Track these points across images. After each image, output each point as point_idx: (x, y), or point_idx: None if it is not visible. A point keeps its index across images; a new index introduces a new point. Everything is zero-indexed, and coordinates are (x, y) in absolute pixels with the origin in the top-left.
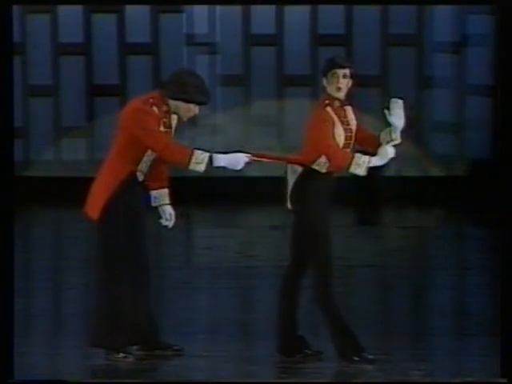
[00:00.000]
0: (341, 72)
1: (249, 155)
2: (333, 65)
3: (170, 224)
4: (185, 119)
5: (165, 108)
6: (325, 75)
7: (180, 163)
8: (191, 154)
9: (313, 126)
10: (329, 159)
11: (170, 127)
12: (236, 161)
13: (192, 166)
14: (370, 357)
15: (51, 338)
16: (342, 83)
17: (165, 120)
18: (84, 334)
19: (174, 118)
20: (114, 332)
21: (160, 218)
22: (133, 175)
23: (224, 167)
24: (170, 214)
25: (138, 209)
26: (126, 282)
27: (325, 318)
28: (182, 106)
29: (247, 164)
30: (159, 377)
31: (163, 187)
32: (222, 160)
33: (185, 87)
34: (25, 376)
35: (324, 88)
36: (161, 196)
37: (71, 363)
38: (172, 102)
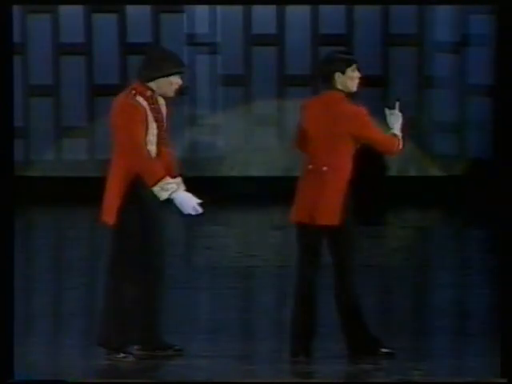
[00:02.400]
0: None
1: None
2: (353, 59)
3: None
4: (172, 94)
5: (149, 93)
6: (343, 71)
7: (148, 179)
8: (162, 178)
9: (367, 123)
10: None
11: (161, 113)
12: (187, 203)
13: (156, 189)
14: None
15: (51, 338)
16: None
17: (153, 106)
18: (84, 334)
19: (162, 103)
20: (116, 332)
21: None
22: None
23: (175, 204)
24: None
25: (153, 205)
26: (141, 281)
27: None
28: (161, 82)
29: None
30: (159, 377)
31: (175, 177)
32: (179, 197)
33: (154, 64)
34: (25, 376)
35: (335, 84)
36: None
37: (71, 363)
38: (152, 84)
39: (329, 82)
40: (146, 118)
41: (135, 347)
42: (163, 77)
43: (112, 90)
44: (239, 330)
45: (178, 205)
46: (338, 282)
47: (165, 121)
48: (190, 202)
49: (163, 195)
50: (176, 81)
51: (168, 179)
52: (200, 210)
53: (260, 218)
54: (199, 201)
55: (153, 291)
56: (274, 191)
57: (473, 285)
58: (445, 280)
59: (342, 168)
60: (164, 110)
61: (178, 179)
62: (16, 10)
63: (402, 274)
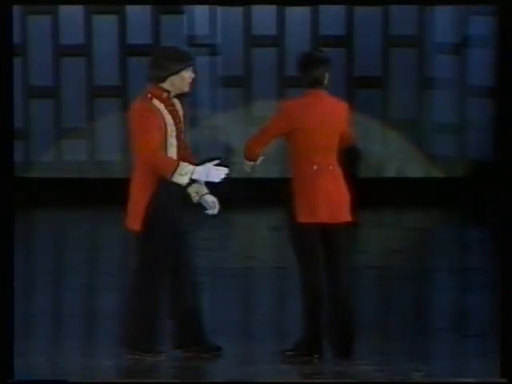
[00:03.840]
0: None
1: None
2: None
3: (215, 211)
4: (187, 89)
5: (165, 95)
6: (329, 71)
7: (165, 173)
8: (177, 166)
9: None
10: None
11: (178, 115)
12: (211, 172)
13: (176, 178)
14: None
15: (51, 338)
16: None
17: (170, 108)
18: (84, 335)
19: (178, 105)
20: (144, 333)
21: (205, 209)
22: (162, 177)
23: (198, 180)
24: (213, 202)
25: (177, 209)
26: (173, 283)
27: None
28: (174, 80)
29: (220, 175)
30: (160, 377)
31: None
32: (199, 173)
33: (162, 64)
34: (25, 376)
35: (324, 83)
36: (198, 189)
37: (71, 363)
38: (165, 85)
39: (320, 82)
40: (163, 122)
41: (177, 349)
42: (174, 74)
43: (112, 92)
44: (239, 330)
45: (205, 178)
46: (335, 281)
47: (182, 123)
48: (211, 170)
49: (184, 180)
50: (188, 75)
51: (182, 164)
52: (224, 171)
53: (259, 220)
54: (216, 161)
55: (186, 292)
56: (274, 192)
57: (473, 286)
58: (445, 281)
59: (339, 165)
60: (180, 111)
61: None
62: (16, 10)
63: (402, 274)
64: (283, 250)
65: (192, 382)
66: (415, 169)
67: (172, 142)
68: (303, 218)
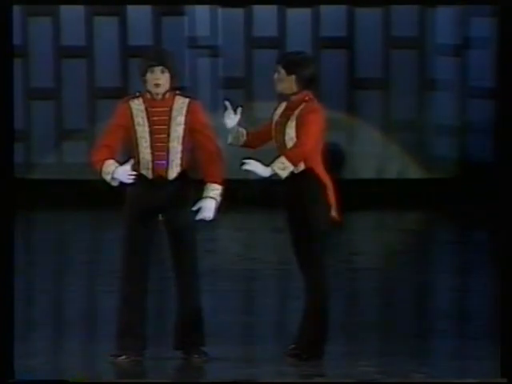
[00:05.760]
0: None
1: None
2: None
3: (205, 216)
4: (154, 91)
5: (148, 95)
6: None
7: (96, 169)
8: (102, 164)
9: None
10: None
11: (165, 116)
12: (121, 174)
13: (103, 175)
14: None
15: (52, 338)
16: None
17: (151, 109)
18: (85, 335)
19: (177, 104)
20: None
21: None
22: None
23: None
24: (205, 207)
25: (148, 207)
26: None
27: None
28: (143, 82)
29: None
30: (160, 377)
31: (209, 182)
32: (117, 173)
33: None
34: (26, 376)
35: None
36: (206, 189)
37: (72, 363)
38: (145, 86)
39: (315, 83)
40: (130, 122)
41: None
42: (143, 75)
43: (113, 93)
44: (240, 332)
45: (121, 179)
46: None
47: (168, 126)
48: (122, 171)
49: (107, 179)
50: (149, 77)
51: (108, 163)
52: (130, 174)
53: (261, 221)
54: (130, 162)
55: (186, 293)
56: (275, 194)
57: (473, 287)
58: (445, 282)
59: (325, 168)
60: (177, 112)
61: (211, 185)
62: (17, 12)
63: (402, 276)
64: (284, 252)
65: (192, 382)
66: (416, 170)
67: (142, 142)
68: (338, 217)
